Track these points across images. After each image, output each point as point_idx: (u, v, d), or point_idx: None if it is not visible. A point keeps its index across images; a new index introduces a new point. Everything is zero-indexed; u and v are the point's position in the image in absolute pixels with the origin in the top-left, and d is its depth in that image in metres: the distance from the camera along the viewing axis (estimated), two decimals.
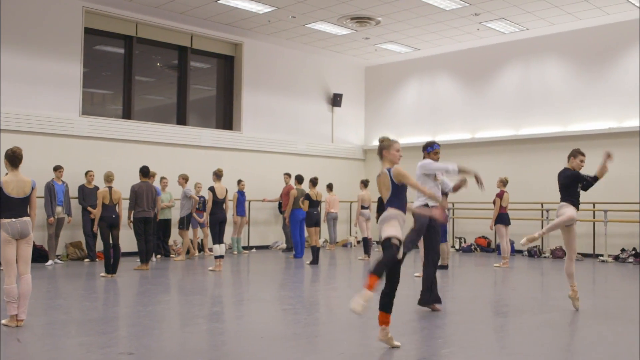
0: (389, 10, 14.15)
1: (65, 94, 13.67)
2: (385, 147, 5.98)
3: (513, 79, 16.76)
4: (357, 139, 19.93)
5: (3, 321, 6.39)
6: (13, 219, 6.40)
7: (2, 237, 6.36)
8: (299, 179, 14.39)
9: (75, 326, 6.60)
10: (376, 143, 19.74)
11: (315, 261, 13.00)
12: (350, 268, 13.14)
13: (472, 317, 7.35)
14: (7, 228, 6.36)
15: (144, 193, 11.84)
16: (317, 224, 13.55)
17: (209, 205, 12.00)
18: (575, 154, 7.70)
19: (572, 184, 7.59)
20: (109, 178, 11.11)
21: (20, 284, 6.44)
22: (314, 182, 13.73)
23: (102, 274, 10.72)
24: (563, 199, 7.66)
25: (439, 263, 12.28)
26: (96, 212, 11.01)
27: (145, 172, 12.04)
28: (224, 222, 12.10)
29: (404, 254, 6.01)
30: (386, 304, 5.69)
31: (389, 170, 5.85)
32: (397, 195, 5.83)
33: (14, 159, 6.60)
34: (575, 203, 7.59)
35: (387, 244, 5.69)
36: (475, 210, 16.65)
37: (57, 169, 12.77)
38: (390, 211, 5.80)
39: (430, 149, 8.06)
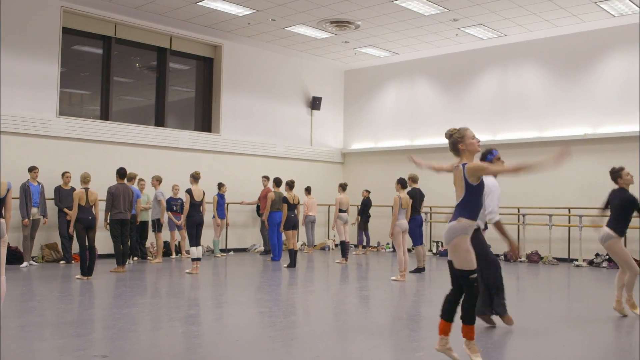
0: (369, 14, 14.22)
1: (42, 94, 13.55)
2: (458, 140, 5.22)
3: (491, 85, 16.91)
4: (335, 143, 19.97)
5: None
6: None
7: None
8: (277, 182, 14.39)
9: (49, 329, 6.55)
10: (355, 147, 20.02)
11: (292, 264, 13.00)
12: (328, 271, 13.16)
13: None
14: None
15: (121, 195, 11.77)
16: (294, 227, 13.55)
17: (186, 207, 11.98)
18: (620, 172, 7.61)
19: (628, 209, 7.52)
20: (85, 179, 11.03)
21: None
22: (290, 185, 13.71)
23: (78, 276, 10.64)
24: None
25: (416, 266, 12.40)
26: (72, 214, 10.93)
27: (122, 173, 11.97)
28: (201, 224, 12.09)
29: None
30: (448, 312, 5.20)
31: (463, 165, 5.09)
32: (471, 199, 5.07)
33: None
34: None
35: (467, 282, 5.02)
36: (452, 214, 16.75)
37: (32, 169, 12.65)
38: (460, 223, 5.06)
39: (490, 156, 7.05)
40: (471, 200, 5.07)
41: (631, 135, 14.28)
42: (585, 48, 15.22)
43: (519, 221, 15.63)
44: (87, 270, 10.63)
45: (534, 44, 16.01)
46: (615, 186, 7.71)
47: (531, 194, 15.50)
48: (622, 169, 7.67)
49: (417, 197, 12.18)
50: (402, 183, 11.59)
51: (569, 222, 14.96)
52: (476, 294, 5.03)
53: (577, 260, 14.32)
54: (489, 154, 7.06)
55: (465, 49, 17.11)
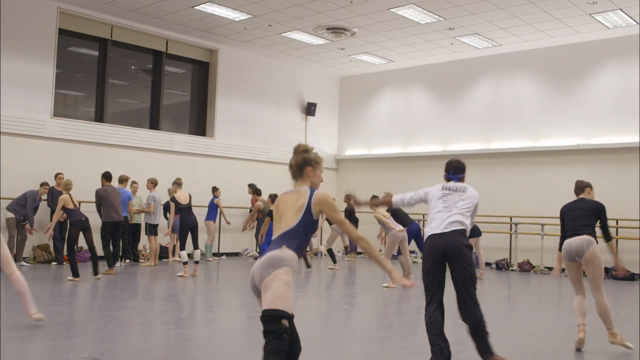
0: (365, 22, 14.27)
1: (37, 94, 13.54)
2: (312, 163, 4.18)
3: (485, 94, 16.98)
4: (330, 149, 20.00)
5: None
6: None
7: None
8: (257, 192, 14.49)
9: (40, 330, 6.54)
10: (349, 153, 20.08)
11: None
12: (320, 277, 13.17)
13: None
14: None
15: (110, 196, 11.82)
16: None
17: (172, 217, 12.18)
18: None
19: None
20: (67, 187, 10.88)
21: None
22: (273, 198, 13.51)
23: (70, 278, 10.61)
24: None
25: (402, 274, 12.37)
26: (54, 217, 10.94)
27: (107, 176, 12.02)
28: (195, 227, 12.05)
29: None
30: None
31: (311, 190, 4.06)
32: (305, 230, 3.98)
33: None
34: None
35: (274, 329, 3.79)
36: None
37: (43, 185, 12.76)
38: (285, 252, 3.88)
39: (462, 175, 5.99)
40: (303, 233, 3.98)
41: (624, 147, 14.36)
42: (579, 59, 15.31)
43: (511, 230, 15.68)
44: (93, 269, 10.78)
45: (528, 54, 16.10)
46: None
47: (523, 203, 15.56)
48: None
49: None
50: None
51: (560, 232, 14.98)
52: (279, 349, 3.78)
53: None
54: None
55: (461, 58, 17.18)
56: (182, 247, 11.89)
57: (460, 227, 5.34)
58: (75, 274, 10.57)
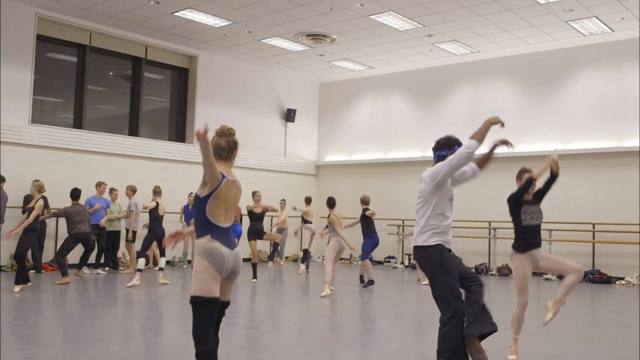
0: (344, 28, 14.34)
1: (15, 101, 13.40)
2: (237, 148, 4.22)
3: (463, 99, 17.11)
4: (309, 155, 20.03)
5: None
6: None
7: None
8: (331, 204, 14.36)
9: (19, 339, 6.48)
10: (328, 159, 20.11)
11: (254, 276, 12.65)
12: (298, 283, 13.17)
13: (422, 332, 7.46)
14: None
15: (74, 212, 11.63)
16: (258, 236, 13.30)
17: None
18: (520, 174, 6.51)
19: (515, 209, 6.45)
20: (41, 189, 10.78)
21: None
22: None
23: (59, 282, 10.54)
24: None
25: (366, 278, 12.24)
26: (25, 224, 10.46)
27: (75, 195, 11.81)
28: (163, 236, 11.76)
29: None
30: None
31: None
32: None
33: None
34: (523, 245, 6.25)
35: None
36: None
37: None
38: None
39: (444, 152, 5.37)
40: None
41: (601, 152, 14.56)
42: (556, 65, 15.51)
43: (489, 235, 15.80)
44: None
45: (506, 61, 16.27)
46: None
47: (501, 208, 15.61)
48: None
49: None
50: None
51: None
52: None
53: (546, 274, 14.50)
54: (456, 145, 5.46)
55: (439, 64, 17.31)
56: (143, 255, 11.68)
57: None
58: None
